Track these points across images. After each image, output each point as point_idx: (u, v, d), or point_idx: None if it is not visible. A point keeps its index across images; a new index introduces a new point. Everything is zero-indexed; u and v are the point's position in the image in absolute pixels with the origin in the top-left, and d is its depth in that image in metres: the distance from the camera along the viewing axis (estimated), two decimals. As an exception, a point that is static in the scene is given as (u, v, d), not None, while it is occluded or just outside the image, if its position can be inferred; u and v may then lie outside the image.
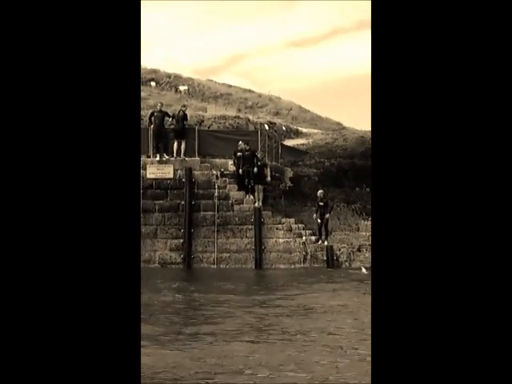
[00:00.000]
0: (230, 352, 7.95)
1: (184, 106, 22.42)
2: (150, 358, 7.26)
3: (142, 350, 5.07)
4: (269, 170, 20.64)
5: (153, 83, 37.23)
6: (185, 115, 20.97)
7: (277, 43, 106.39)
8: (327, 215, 20.48)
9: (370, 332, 4.69)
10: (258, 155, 20.35)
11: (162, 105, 21.54)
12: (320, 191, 21.17)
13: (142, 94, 32.27)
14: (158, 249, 19.77)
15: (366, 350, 7.63)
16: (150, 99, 31.67)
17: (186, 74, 42.16)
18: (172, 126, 20.85)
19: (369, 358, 6.19)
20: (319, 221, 20.39)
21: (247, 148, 20.22)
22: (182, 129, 20.56)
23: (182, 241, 19.68)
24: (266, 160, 21.15)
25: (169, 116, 20.78)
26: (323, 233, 20.32)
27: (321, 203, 20.65)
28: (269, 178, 20.75)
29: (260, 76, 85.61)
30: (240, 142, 20.44)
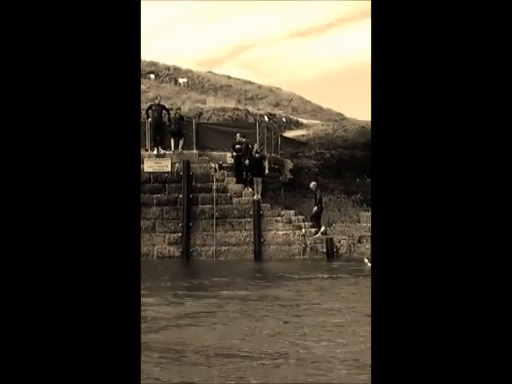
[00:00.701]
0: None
1: (178, 109, 22.10)
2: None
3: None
4: (267, 162, 20.47)
5: (152, 76, 37.11)
6: (181, 117, 20.81)
7: (281, 33, 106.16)
8: (315, 208, 20.29)
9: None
10: (256, 147, 20.17)
11: (159, 98, 21.36)
12: (312, 183, 21.03)
13: (142, 87, 32.15)
14: (157, 243, 19.65)
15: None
16: (150, 92, 31.57)
17: (188, 66, 42.18)
18: (169, 124, 20.56)
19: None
20: (312, 212, 20.28)
21: (243, 140, 20.07)
22: (179, 129, 20.37)
23: (180, 235, 19.55)
24: (265, 152, 20.97)
25: (166, 110, 20.56)
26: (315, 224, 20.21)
27: (313, 195, 20.61)
28: (267, 171, 20.58)
29: (264, 67, 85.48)
30: (237, 135, 20.28)
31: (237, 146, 20.24)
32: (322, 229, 19.96)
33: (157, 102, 20.79)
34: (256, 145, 20.29)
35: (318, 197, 20.47)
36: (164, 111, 20.52)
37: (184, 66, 41.42)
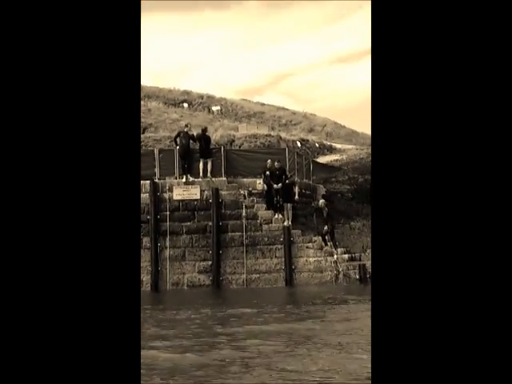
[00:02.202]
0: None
1: (205, 128, 21.94)
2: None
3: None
4: (297, 187, 20.15)
5: (185, 104, 37.36)
6: (208, 138, 20.68)
7: (322, 59, 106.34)
8: (325, 227, 19.94)
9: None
10: (289, 175, 19.93)
11: (189, 126, 21.31)
12: (321, 200, 20.75)
13: (175, 116, 32.43)
14: (187, 271, 19.43)
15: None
16: (182, 120, 31.75)
17: (229, 95, 42.41)
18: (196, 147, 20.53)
19: None
20: (323, 231, 19.91)
21: (277, 166, 19.83)
22: (207, 149, 20.23)
23: (210, 263, 19.32)
24: (295, 178, 20.68)
25: (193, 140, 20.43)
26: (328, 242, 19.82)
27: (322, 213, 20.26)
28: (297, 196, 20.27)
29: (303, 94, 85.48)
30: (268, 160, 20.07)
31: (267, 172, 20.01)
32: (339, 250, 19.62)
33: (186, 129, 20.72)
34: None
35: (324, 215, 20.09)
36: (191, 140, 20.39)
37: (224, 95, 41.76)
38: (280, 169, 19.88)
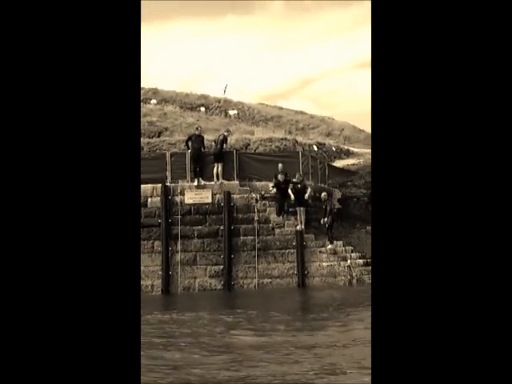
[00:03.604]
0: None
1: (227, 130, 21.97)
2: None
3: None
4: (309, 191, 19.79)
5: (202, 109, 37.22)
6: (224, 138, 20.46)
7: (347, 64, 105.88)
8: (325, 219, 19.63)
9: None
10: (297, 176, 19.62)
11: (200, 129, 21.12)
12: (323, 193, 20.41)
13: (191, 120, 32.30)
14: (198, 275, 19.21)
15: None
16: (199, 124, 31.59)
17: (253, 100, 42.18)
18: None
19: None
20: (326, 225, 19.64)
21: (282, 171, 19.60)
22: (220, 152, 20.02)
23: (221, 267, 19.07)
24: (306, 181, 20.31)
25: (224, 142, 20.19)
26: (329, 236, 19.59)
27: (323, 206, 19.97)
28: (309, 200, 19.93)
29: (328, 99, 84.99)
30: (280, 165, 19.80)
31: (279, 176, 19.74)
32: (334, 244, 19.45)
33: (197, 132, 20.54)
34: (297, 174, 19.74)
35: (328, 208, 19.77)
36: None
37: (245, 99, 41.47)
38: (285, 174, 19.66)
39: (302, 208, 19.52)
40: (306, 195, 19.54)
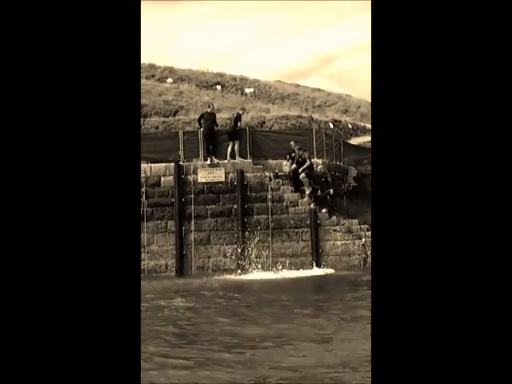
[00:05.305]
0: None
1: (242, 108, 21.76)
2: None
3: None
4: (308, 161, 19.47)
5: (218, 87, 36.94)
6: (238, 116, 20.25)
7: (369, 42, 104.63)
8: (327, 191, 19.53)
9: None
10: (295, 150, 19.45)
11: (212, 106, 20.92)
12: (320, 166, 20.05)
13: (206, 98, 32.06)
14: (212, 255, 19.14)
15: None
16: (214, 103, 31.39)
17: (273, 78, 41.73)
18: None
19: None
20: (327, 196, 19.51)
21: (296, 149, 19.40)
22: (234, 130, 19.84)
23: (235, 246, 18.96)
24: (305, 154, 19.74)
25: (236, 121, 20.05)
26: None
27: (322, 179, 19.70)
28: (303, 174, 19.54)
29: (349, 76, 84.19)
30: (292, 142, 19.58)
31: (293, 154, 19.53)
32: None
33: (209, 110, 20.34)
34: (295, 146, 19.53)
35: (329, 179, 19.64)
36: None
37: (269, 78, 41.05)
38: (299, 154, 19.47)
39: (306, 179, 19.32)
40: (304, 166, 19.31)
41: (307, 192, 19.30)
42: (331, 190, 19.53)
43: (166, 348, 7.95)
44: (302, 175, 19.25)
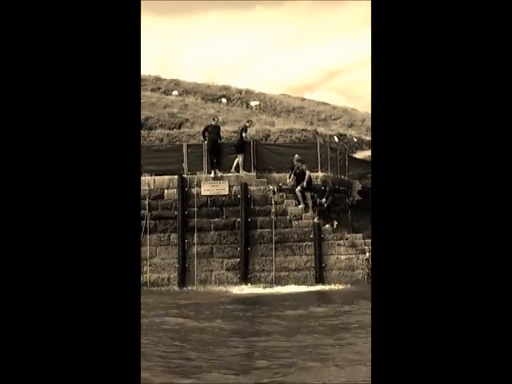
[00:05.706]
0: None
1: (249, 121, 21.71)
2: None
3: None
4: (307, 176, 19.40)
5: (224, 100, 36.91)
6: (244, 128, 20.21)
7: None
8: (323, 199, 19.42)
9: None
10: (295, 162, 19.39)
11: (216, 119, 20.88)
12: (319, 179, 19.97)
13: (212, 111, 32.06)
14: (214, 268, 19.04)
15: None
16: (220, 116, 31.37)
17: (279, 91, 41.72)
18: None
19: None
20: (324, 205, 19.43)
21: (299, 163, 19.34)
22: (240, 143, 19.78)
23: (238, 260, 18.86)
24: (304, 166, 19.63)
25: (242, 132, 19.98)
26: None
27: (322, 188, 19.63)
28: (304, 184, 19.41)
29: (355, 91, 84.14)
30: (296, 155, 19.50)
31: (294, 168, 19.47)
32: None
33: (213, 123, 20.30)
34: (295, 159, 19.43)
35: (327, 189, 19.54)
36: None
37: (275, 92, 41.01)
38: (301, 168, 19.40)
39: (307, 193, 19.24)
40: (304, 182, 19.23)
41: (309, 204, 19.20)
42: (325, 199, 19.39)
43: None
44: (298, 189, 19.18)
